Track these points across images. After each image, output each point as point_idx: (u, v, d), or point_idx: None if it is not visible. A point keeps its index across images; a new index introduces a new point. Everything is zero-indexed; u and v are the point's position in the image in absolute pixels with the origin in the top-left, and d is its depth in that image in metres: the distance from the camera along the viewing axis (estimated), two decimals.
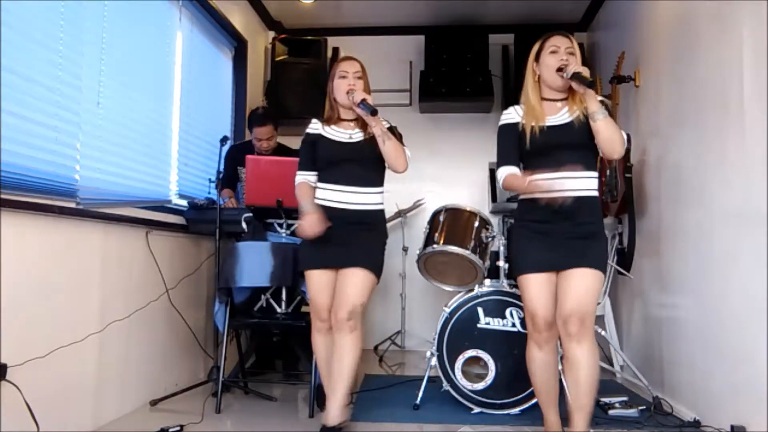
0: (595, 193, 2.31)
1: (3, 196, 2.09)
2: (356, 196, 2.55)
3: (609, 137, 2.20)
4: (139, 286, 2.98)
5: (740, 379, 2.46)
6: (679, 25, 3.11)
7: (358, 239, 2.52)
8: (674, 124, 3.14)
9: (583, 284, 2.21)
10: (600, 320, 3.16)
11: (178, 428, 2.58)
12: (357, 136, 2.58)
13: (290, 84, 4.80)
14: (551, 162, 2.26)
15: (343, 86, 2.56)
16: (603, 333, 3.34)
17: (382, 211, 2.65)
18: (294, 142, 4.00)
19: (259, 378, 3.72)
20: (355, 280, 2.50)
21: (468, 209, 3.27)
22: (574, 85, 2.23)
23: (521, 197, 2.40)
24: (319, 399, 2.97)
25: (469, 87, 4.77)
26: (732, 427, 2.43)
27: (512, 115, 2.40)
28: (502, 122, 2.42)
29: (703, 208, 2.79)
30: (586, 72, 2.20)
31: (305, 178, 2.66)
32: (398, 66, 5.11)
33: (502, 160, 2.38)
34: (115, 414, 2.80)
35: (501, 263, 3.18)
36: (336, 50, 5.05)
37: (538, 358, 2.36)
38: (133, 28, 3.06)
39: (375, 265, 2.55)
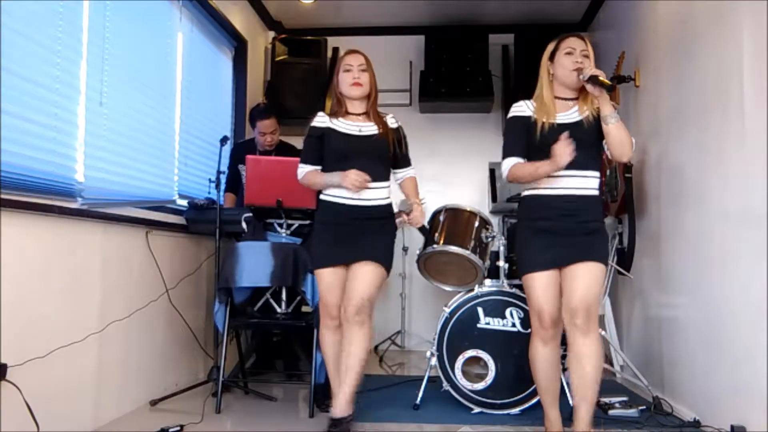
0: (597, 192, 2.37)
1: (3, 196, 2.09)
2: (367, 191, 2.52)
3: (620, 141, 2.27)
4: (139, 286, 2.98)
5: (740, 379, 2.46)
6: (679, 25, 3.11)
7: (369, 234, 2.52)
8: (674, 124, 3.14)
9: (588, 277, 2.26)
10: (600, 320, 3.15)
11: (178, 428, 2.57)
12: (367, 129, 2.56)
13: (290, 84, 4.80)
14: None
15: (348, 79, 2.54)
16: (603, 333, 3.33)
17: (390, 205, 2.64)
18: (294, 142, 4.01)
19: (259, 378, 3.72)
20: (364, 274, 2.49)
21: (468, 209, 3.26)
22: (589, 87, 2.26)
23: (524, 194, 2.41)
24: (318, 399, 2.98)
25: (469, 87, 4.77)
26: (732, 427, 2.43)
27: (523, 108, 2.42)
28: (512, 114, 2.44)
29: (703, 208, 2.79)
30: (603, 76, 2.23)
31: (312, 169, 2.60)
32: (398, 66, 5.11)
33: (509, 150, 2.39)
34: (115, 414, 2.80)
35: (501, 263, 3.18)
36: (336, 50, 5.05)
37: (543, 354, 2.38)
38: (133, 28, 3.06)
39: (385, 258, 2.55)
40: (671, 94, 3.18)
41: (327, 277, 2.56)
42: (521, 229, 2.43)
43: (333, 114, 2.61)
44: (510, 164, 2.36)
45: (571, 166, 2.27)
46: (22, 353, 2.16)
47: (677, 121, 3.10)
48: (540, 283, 2.33)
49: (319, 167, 2.60)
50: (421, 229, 2.63)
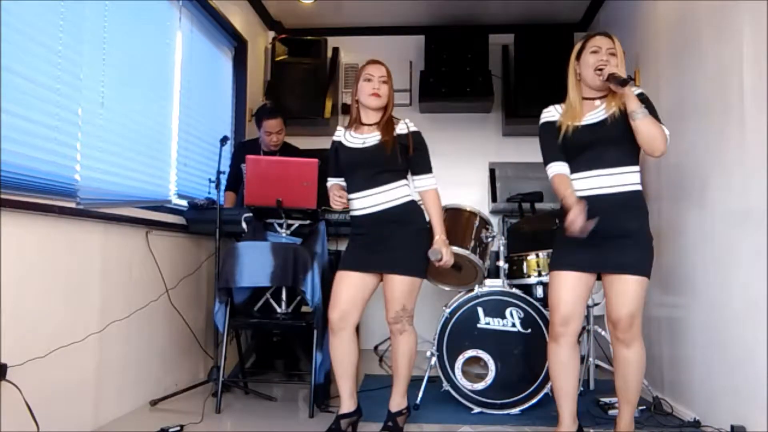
0: (637, 188, 2.30)
1: (3, 196, 2.09)
2: (377, 197, 2.53)
3: (649, 136, 2.22)
4: (139, 286, 2.98)
5: (740, 379, 2.46)
6: (679, 25, 3.11)
7: (395, 240, 2.51)
8: (674, 124, 3.13)
9: (630, 291, 2.24)
10: (600, 320, 3.16)
11: (178, 428, 2.58)
12: (371, 140, 2.56)
13: (290, 84, 4.79)
14: (586, 160, 2.32)
15: (368, 89, 2.55)
16: (603, 333, 3.33)
17: (412, 202, 2.60)
18: (294, 142, 4.02)
19: (259, 378, 3.72)
20: (397, 287, 2.53)
21: (468, 209, 3.26)
22: (612, 86, 2.25)
23: None
24: (318, 399, 2.98)
25: (469, 87, 4.76)
26: (732, 427, 2.43)
27: (552, 113, 2.44)
28: (542, 120, 2.46)
29: (704, 208, 2.79)
30: (621, 72, 2.22)
31: (335, 182, 2.71)
32: (398, 66, 5.08)
33: (549, 155, 2.41)
34: (115, 414, 2.80)
35: (501, 263, 3.18)
36: (336, 50, 5.06)
37: (555, 353, 2.36)
38: (133, 28, 3.06)
39: (415, 268, 2.55)
40: (671, 94, 3.18)
41: (347, 279, 2.55)
42: (559, 232, 2.40)
43: (349, 124, 2.67)
44: (552, 172, 2.38)
45: (601, 164, 2.28)
46: (22, 353, 2.16)
47: (677, 121, 3.10)
48: (561, 282, 2.32)
49: (340, 179, 2.68)
50: (454, 265, 2.68)
